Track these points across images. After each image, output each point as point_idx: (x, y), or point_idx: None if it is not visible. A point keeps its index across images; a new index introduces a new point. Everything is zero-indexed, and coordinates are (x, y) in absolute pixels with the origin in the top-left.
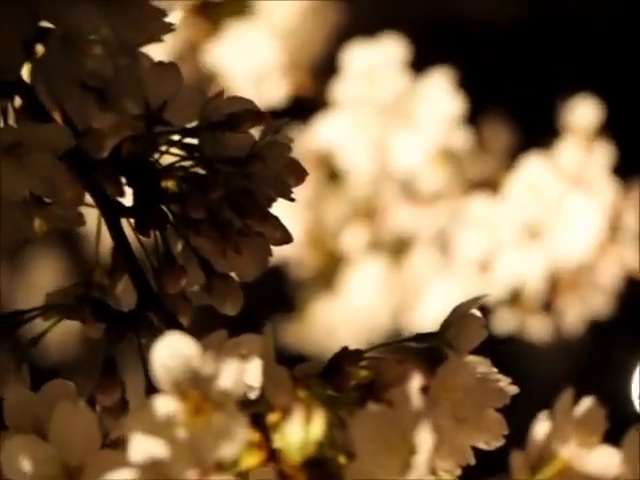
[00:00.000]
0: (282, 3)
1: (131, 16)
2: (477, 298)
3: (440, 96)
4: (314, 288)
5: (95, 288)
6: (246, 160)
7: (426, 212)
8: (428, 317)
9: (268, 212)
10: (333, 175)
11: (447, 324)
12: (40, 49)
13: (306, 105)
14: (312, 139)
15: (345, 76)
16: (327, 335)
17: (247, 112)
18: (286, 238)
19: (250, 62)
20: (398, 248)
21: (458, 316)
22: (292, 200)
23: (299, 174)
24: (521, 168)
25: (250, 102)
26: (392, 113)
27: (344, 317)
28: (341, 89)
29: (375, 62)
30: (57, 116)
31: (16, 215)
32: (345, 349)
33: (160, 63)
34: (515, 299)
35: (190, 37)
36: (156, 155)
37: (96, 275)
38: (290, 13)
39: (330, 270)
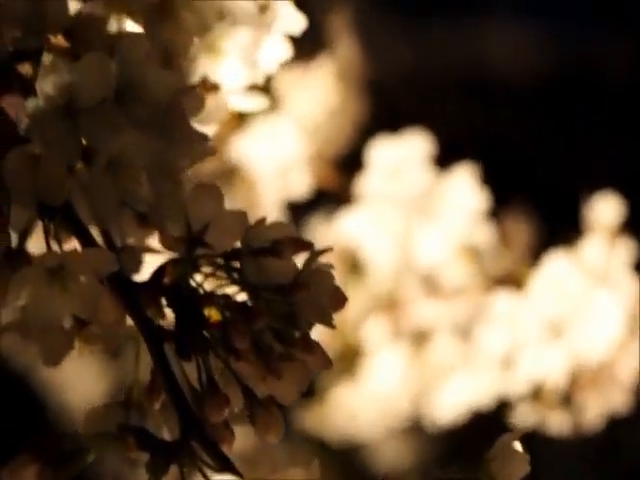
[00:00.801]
0: (307, 97)
1: (174, 142)
2: (520, 431)
3: (464, 191)
4: (334, 374)
5: (134, 408)
6: (290, 288)
7: (448, 306)
8: (448, 406)
9: (311, 339)
10: (356, 267)
11: (492, 456)
12: (81, 167)
13: (330, 198)
14: (336, 232)
15: (369, 170)
16: (347, 421)
17: (290, 240)
18: (327, 364)
19: (275, 155)
20: (419, 338)
21: (502, 449)
22: (333, 327)
23: (340, 301)
24: (544, 264)
25: (292, 229)
26: (416, 208)
27: (364, 403)
28: (365, 183)
29: (399, 157)
30: (96, 232)
31: (58, 337)
32: None
33: (202, 186)
34: (536, 394)
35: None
36: (197, 277)
37: (135, 394)
38: (315, 107)
39: (351, 356)
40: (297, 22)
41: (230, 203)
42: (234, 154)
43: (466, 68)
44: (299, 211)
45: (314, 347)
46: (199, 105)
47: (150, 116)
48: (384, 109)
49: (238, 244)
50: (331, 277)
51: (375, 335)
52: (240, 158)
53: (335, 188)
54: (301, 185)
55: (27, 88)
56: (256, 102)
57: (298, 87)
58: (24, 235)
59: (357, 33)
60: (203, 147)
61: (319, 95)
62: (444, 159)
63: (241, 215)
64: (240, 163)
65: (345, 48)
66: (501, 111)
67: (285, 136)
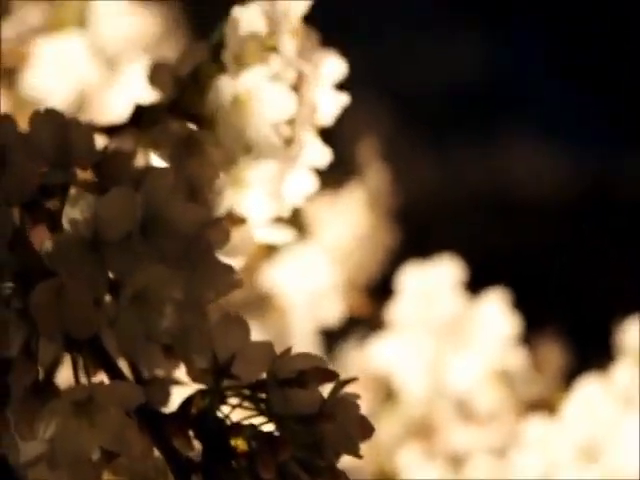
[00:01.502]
0: (337, 224)
1: (200, 275)
2: None
3: (495, 317)
4: None
5: None
6: (316, 418)
7: (481, 431)
8: None
9: (337, 469)
10: (388, 394)
11: None
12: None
13: (362, 325)
14: (368, 358)
15: (400, 297)
16: None
17: (316, 370)
18: None
19: (306, 283)
20: (453, 463)
21: None
22: (360, 457)
23: (367, 430)
24: (577, 389)
25: (319, 359)
26: (447, 334)
27: None
28: (397, 310)
29: (430, 283)
30: (123, 363)
31: (86, 470)
32: None
33: (228, 317)
34: None
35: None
36: (224, 408)
37: None
38: (345, 234)
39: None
40: (323, 155)
41: (261, 332)
42: (265, 282)
43: (490, 189)
44: (331, 338)
45: (340, 477)
46: (224, 238)
47: (176, 249)
48: (413, 234)
49: (264, 375)
50: (357, 407)
51: (410, 460)
52: (271, 286)
53: (366, 315)
54: (333, 313)
55: (54, 222)
56: (282, 234)
57: (328, 215)
58: (52, 368)
59: (384, 158)
60: (229, 280)
61: (349, 222)
62: (474, 282)
63: (267, 346)
64: (271, 291)
65: (374, 175)
66: (529, 232)
67: (316, 264)
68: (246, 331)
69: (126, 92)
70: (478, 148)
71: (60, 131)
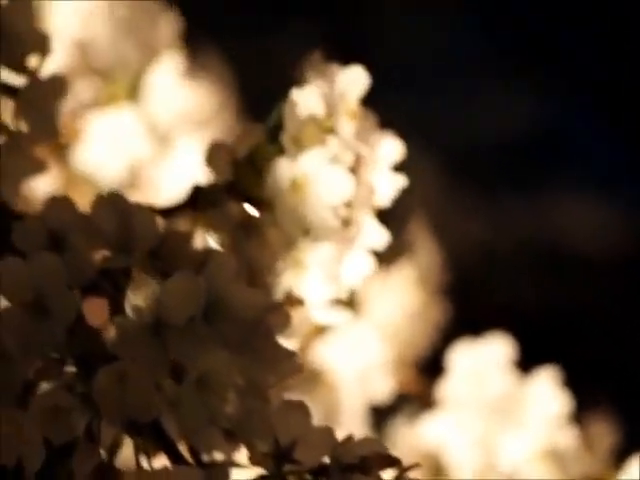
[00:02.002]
0: (388, 301)
1: (262, 360)
2: None
3: (546, 396)
4: None
5: None
6: None
7: None
8: None
9: None
10: (438, 472)
11: None
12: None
13: (412, 402)
14: (417, 436)
15: (451, 375)
16: None
17: (379, 456)
18: None
19: (356, 359)
20: None
21: None
22: None
23: None
24: (627, 468)
25: (380, 444)
26: (498, 412)
27: None
28: (447, 387)
29: (481, 361)
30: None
31: None
32: None
33: (289, 402)
34: None
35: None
36: None
37: None
38: (396, 311)
39: None
40: (381, 236)
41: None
42: (315, 358)
43: (541, 242)
44: (380, 415)
45: None
46: (285, 322)
47: (237, 334)
48: (462, 298)
49: (326, 459)
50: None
51: None
52: (321, 362)
53: (416, 392)
54: (382, 389)
55: (115, 304)
56: (339, 316)
57: (378, 291)
58: (113, 451)
59: (429, 214)
60: (290, 364)
61: (399, 299)
62: (526, 361)
63: (328, 431)
64: (321, 367)
65: (425, 252)
66: (580, 287)
67: (366, 341)
68: (307, 416)
69: (179, 168)
70: (528, 201)
71: (122, 215)
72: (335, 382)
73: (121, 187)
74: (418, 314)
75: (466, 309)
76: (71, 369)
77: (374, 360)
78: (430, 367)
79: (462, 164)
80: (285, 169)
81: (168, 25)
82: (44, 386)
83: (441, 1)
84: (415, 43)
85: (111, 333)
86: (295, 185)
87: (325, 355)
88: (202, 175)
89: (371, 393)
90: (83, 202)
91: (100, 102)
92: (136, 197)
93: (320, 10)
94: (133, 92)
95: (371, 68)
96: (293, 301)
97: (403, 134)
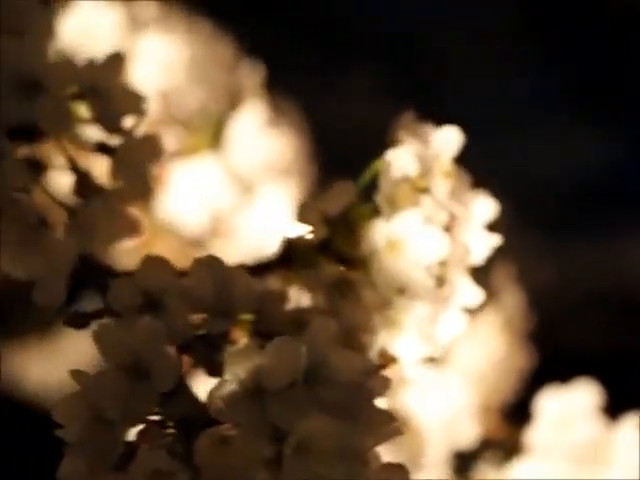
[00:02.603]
0: (473, 347)
1: (362, 423)
2: None
3: (633, 442)
4: None
5: None
6: None
7: None
8: None
9: None
10: None
11: None
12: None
13: (498, 449)
14: None
15: (538, 421)
16: None
17: None
18: None
19: (441, 405)
20: None
21: None
22: None
23: None
24: None
25: None
26: (585, 459)
27: None
28: (534, 434)
29: (568, 408)
30: None
31: None
32: None
33: (389, 465)
34: None
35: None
36: None
37: None
38: (481, 357)
39: None
40: (475, 295)
41: (396, 454)
42: (399, 405)
43: (612, 287)
44: (465, 461)
45: None
46: (385, 386)
47: (337, 397)
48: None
49: None
50: None
51: None
52: (407, 408)
53: (501, 438)
54: (467, 435)
55: (213, 368)
56: (431, 373)
57: (462, 338)
58: None
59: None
60: (390, 428)
61: (485, 345)
62: (613, 408)
63: None
64: (406, 414)
65: (509, 298)
66: None
67: (451, 387)
68: (406, 478)
69: (262, 217)
70: (599, 246)
71: (220, 278)
72: (420, 428)
73: (204, 236)
74: (503, 360)
75: (550, 355)
76: (171, 432)
77: (459, 406)
78: (515, 413)
79: (533, 209)
80: (380, 229)
81: (249, 73)
82: (144, 449)
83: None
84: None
85: (211, 397)
86: (390, 245)
87: (411, 401)
88: (291, 229)
89: (456, 439)
90: (166, 252)
91: (183, 152)
92: (219, 246)
93: (387, 57)
94: (215, 141)
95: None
96: (387, 358)
97: (481, 181)
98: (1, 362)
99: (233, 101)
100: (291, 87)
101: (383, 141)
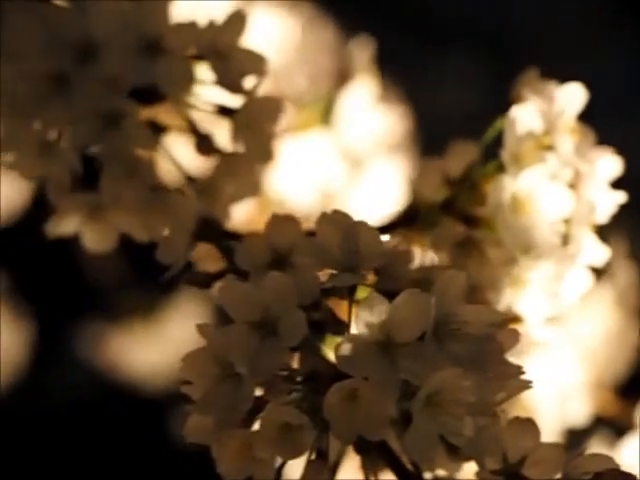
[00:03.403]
0: (586, 322)
1: (492, 377)
2: None
3: None
4: None
5: None
6: None
7: None
8: None
9: None
10: None
11: None
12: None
13: (610, 425)
14: (616, 459)
15: None
16: None
17: (613, 472)
18: None
19: (554, 380)
20: None
21: None
22: None
23: None
24: None
25: (611, 460)
26: None
27: None
28: None
29: None
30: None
31: None
32: None
33: (519, 419)
34: None
35: None
36: None
37: None
38: (594, 332)
39: None
40: (600, 253)
41: None
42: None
43: None
44: (577, 438)
45: None
46: (515, 339)
47: (467, 351)
48: None
49: (555, 476)
50: None
51: None
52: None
53: (614, 415)
54: (580, 412)
55: (340, 324)
56: (554, 334)
57: (576, 312)
58: (336, 466)
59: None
60: (520, 381)
61: (597, 320)
62: None
63: (558, 447)
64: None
65: (622, 274)
66: None
67: (565, 362)
68: (537, 433)
69: (372, 191)
70: None
71: (347, 233)
72: (532, 403)
73: (314, 212)
74: (616, 336)
75: None
76: (299, 387)
77: (572, 382)
78: (628, 389)
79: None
80: (505, 186)
81: (359, 49)
82: (273, 404)
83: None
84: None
85: (340, 351)
86: (515, 202)
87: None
88: (403, 196)
89: (568, 415)
90: None
91: (293, 128)
92: None
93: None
94: (325, 118)
95: None
96: (512, 318)
97: None
98: (107, 346)
99: (341, 78)
100: (389, 71)
101: (479, 122)
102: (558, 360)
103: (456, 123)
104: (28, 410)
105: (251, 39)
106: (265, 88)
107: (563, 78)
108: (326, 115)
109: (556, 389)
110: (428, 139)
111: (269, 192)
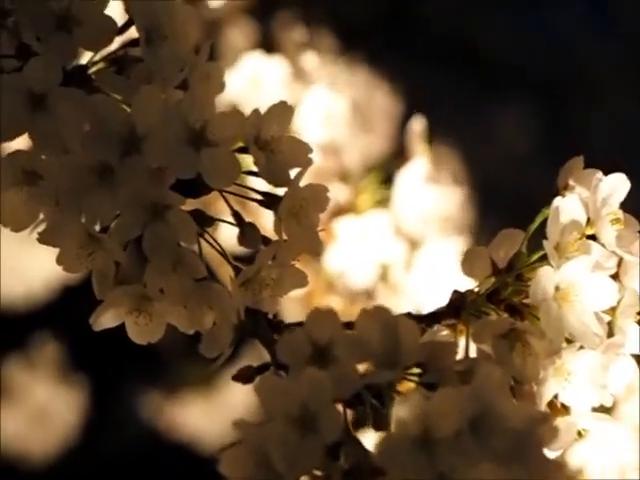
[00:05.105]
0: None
1: (531, 472)
2: None
3: None
4: None
5: None
6: None
7: None
8: None
9: None
10: None
11: None
12: None
13: None
14: None
15: None
16: None
17: None
18: None
19: (610, 460)
20: None
21: None
22: None
23: None
24: None
25: None
26: None
27: None
28: None
29: None
30: None
31: None
32: None
33: None
34: None
35: None
36: None
37: None
38: None
39: None
40: None
41: None
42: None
43: None
44: None
45: None
46: (553, 434)
47: (505, 446)
48: None
49: None
50: None
51: None
52: (576, 462)
53: None
54: None
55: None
56: (602, 423)
57: (629, 391)
58: None
59: None
60: (559, 476)
61: None
62: None
63: None
64: (576, 467)
65: None
66: None
67: (620, 441)
68: None
69: (429, 270)
70: None
71: (387, 328)
72: None
73: (371, 289)
74: None
75: None
76: None
77: (628, 461)
78: None
79: None
80: (549, 278)
81: (413, 125)
82: None
83: None
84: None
85: (379, 447)
86: (559, 293)
87: (580, 454)
88: (459, 279)
89: None
90: (332, 305)
91: (348, 205)
92: (387, 299)
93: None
94: (382, 199)
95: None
96: (557, 409)
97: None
98: (163, 409)
99: (396, 155)
100: (448, 126)
101: (543, 181)
102: (613, 439)
103: (508, 170)
104: (85, 471)
105: (302, 117)
106: (320, 164)
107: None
108: (382, 194)
109: (613, 468)
110: (482, 185)
111: (327, 270)
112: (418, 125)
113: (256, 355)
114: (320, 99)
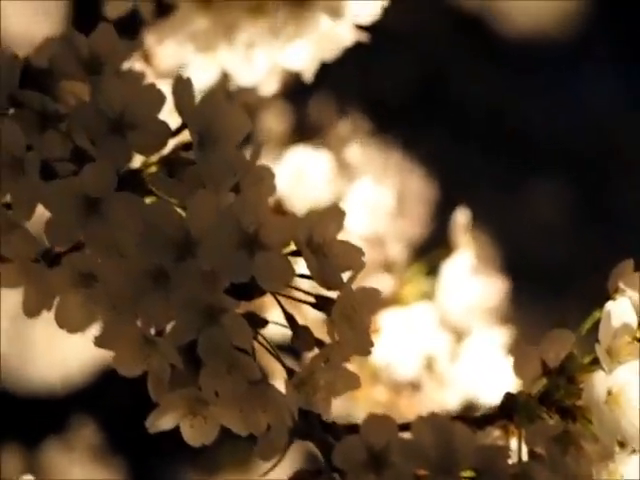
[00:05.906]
0: None
1: None
2: None
3: None
4: None
5: None
6: None
7: None
8: None
9: None
10: None
11: None
12: None
13: None
14: None
15: None
16: None
17: None
18: None
19: None
20: None
21: None
22: None
23: None
24: None
25: None
26: None
27: None
28: None
29: None
30: None
31: None
32: None
33: None
34: None
35: None
36: None
37: None
38: None
39: None
40: None
41: None
42: None
43: None
44: None
45: None
46: None
47: None
48: None
49: None
50: None
51: None
52: None
53: None
54: None
55: None
56: None
57: None
58: None
59: None
60: None
61: None
62: None
63: None
64: None
65: None
66: None
67: None
68: None
69: (475, 363)
70: None
71: (443, 433)
72: None
73: (418, 382)
74: None
75: None
76: None
77: None
78: None
79: None
80: (601, 381)
81: (458, 216)
82: None
83: None
84: None
85: None
86: (611, 397)
87: None
88: (505, 371)
89: None
90: (378, 395)
91: (395, 299)
92: (433, 392)
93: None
94: (427, 291)
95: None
96: None
97: None
98: None
99: (440, 245)
100: (487, 209)
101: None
102: None
103: (545, 248)
104: None
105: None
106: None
107: None
108: (427, 286)
109: None
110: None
111: (372, 362)
112: (462, 217)
113: None
114: (366, 192)
